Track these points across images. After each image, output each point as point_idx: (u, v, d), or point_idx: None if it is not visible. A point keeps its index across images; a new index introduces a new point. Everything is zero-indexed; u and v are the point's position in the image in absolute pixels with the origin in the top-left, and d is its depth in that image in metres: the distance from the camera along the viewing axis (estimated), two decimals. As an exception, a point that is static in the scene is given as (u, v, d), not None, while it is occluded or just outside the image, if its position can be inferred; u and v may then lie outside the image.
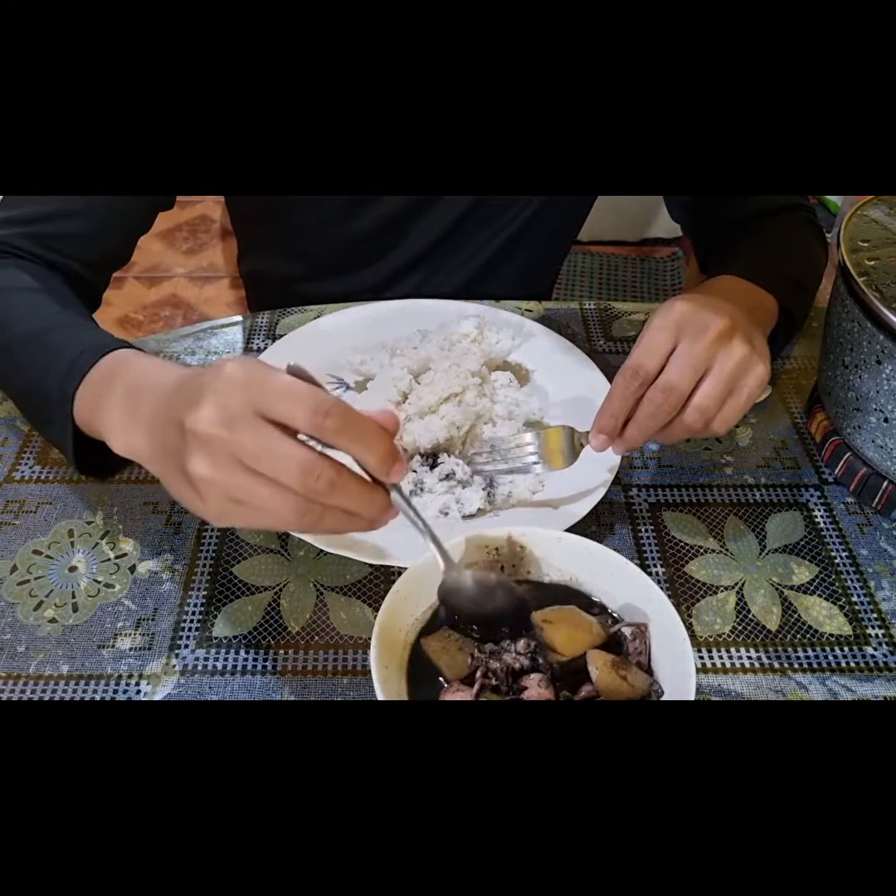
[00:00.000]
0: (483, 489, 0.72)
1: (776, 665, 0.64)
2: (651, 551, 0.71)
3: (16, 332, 0.68)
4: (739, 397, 0.64)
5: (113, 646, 0.64)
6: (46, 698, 0.60)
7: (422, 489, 0.73)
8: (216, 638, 0.64)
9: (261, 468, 0.45)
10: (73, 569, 0.68)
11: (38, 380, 0.65)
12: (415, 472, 0.73)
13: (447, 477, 0.73)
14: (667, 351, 0.63)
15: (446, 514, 0.71)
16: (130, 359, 0.60)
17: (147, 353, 0.61)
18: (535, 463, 0.70)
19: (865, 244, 0.73)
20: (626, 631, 0.56)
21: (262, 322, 0.92)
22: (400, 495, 0.50)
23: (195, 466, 0.46)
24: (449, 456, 0.74)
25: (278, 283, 1.05)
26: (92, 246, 0.78)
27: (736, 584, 0.69)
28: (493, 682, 0.54)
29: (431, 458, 0.75)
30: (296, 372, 0.47)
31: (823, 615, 0.68)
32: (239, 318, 0.92)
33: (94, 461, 0.65)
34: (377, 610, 0.57)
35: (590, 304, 0.96)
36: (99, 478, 0.67)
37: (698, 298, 0.66)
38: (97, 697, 0.61)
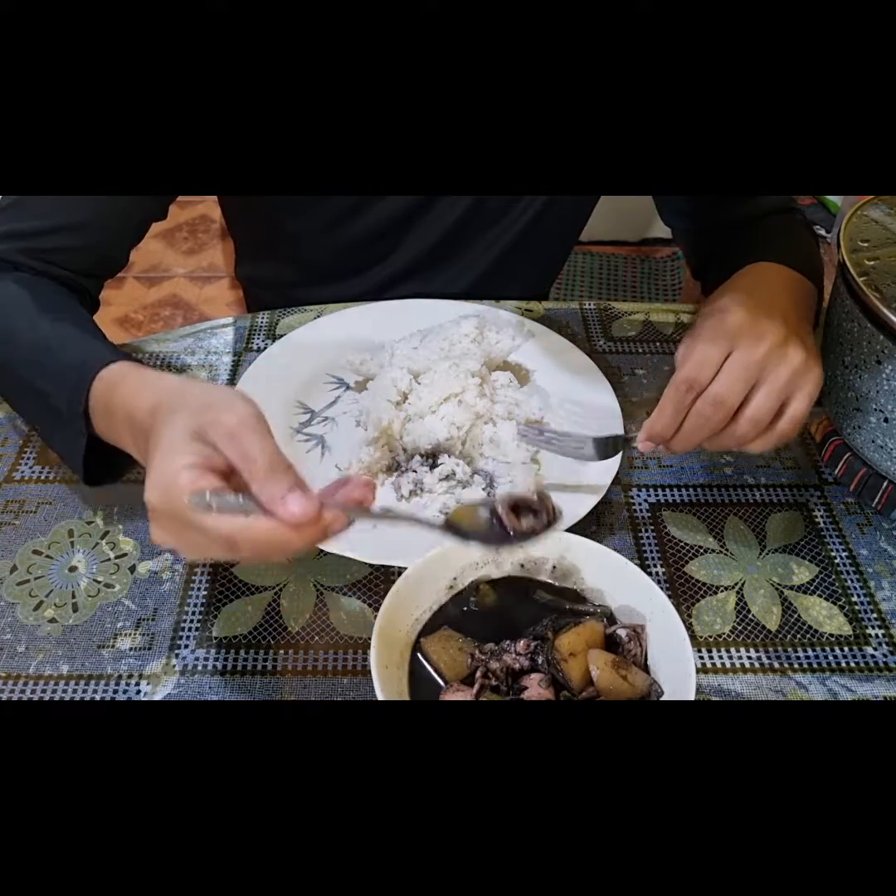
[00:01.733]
0: (483, 489, 0.72)
1: (776, 665, 0.64)
2: (651, 551, 0.71)
3: (17, 347, 0.70)
4: (801, 402, 0.64)
5: (113, 646, 0.64)
6: (46, 698, 0.60)
7: (422, 489, 0.73)
8: (216, 638, 0.64)
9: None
10: (73, 569, 0.68)
11: (45, 396, 0.67)
12: (414, 472, 0.73)
13: (447, 477, 0.73)
14: (720, 362, 0.63)
15: (446, 514, 0.71)
16: (116, 384, 0.61)
17: (131, 367, 0.62)
18: (580, 455, 0.72)
19: (865, 244, 0.73)
20: (622, 633, 0.56)
21: (262, 322, 0.92)
22: (379, 510, 0.53)
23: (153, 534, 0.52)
24: (449, 456, 0.74)
25: (275, 289, 1.05)
26: (87, 258, 0.79)
27: (736, 584, 0.69)
28: (493, 682, 0.54)
29: (431, 458, 0.75)
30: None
31: (823, 615, 0.68)
32: (238, 317, 0.92)
33: (100, 471, 0.67)
34: (377, 610, 0.57)
35: (590, 304, 0.96)
36: (104, 483, 0.70)
37: (749, 303, 0.66)
38: (97, 697, 0.61)
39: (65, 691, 0.61)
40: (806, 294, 0.76)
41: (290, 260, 1.00)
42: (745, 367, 0.62)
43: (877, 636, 0.66)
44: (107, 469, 0.67)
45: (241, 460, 0.50)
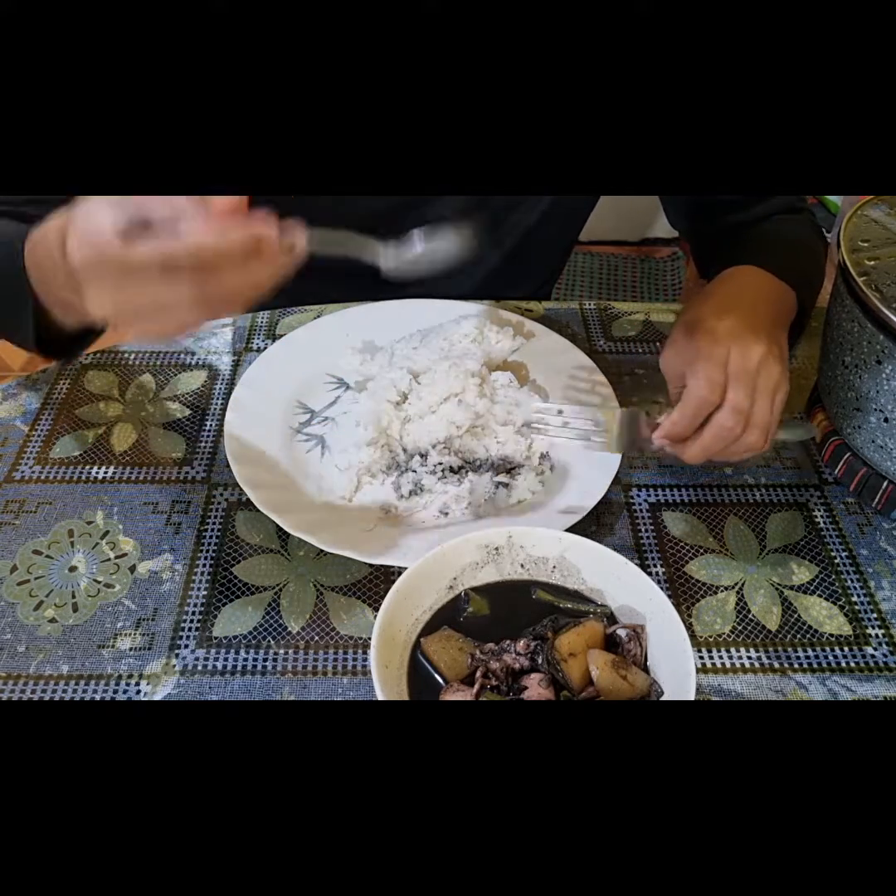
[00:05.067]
0: (493, 478, 0.72)
1: (776, 665, 0.64)
2: (651, 551, 0.71)
3: None
4: (776, 416, 0.67)
5: (113, 646, 0.64)
6: (46, 698, 0.60)
7: (421, 489, 0.73)
8: (216, 638, 0.64)
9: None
10: (73, 569, 0.68)
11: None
12: (414, 472, 0.73)
13: (434, 470, 0.73)
14: (723, 382, 0.66)
15: (446, 514, 0.71)
16: (38, 240, 0.61)
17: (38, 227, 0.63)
18: (596, 439, 0.72)
19: (865, 244, 0.73)
20: (622, 633, 0.56)
21: (261, 322, 0.92)
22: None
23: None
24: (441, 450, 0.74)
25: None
26: None
27: (736, 584, 0.69)
28: (493, 682, 0.54)
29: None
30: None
31: (823, 615, 0.68)
32: (238, 317, 0.92)
33: (56, 347, 0.71)
34: (377, 610, 0.57)
35: (590, 304, 0.96)
36: (61, 357, 0.75)
37: (737, 313, 0.69)
38: (97, 697, 0.61)
39: (65, 691, 0.61)
40: (786, 305, 0.78)
41: None
42: (748, 375, 0.65)
43: (877, 636, 0.66)
44: (62, 345, 0.70)
45: (162, 205, 0.49)
